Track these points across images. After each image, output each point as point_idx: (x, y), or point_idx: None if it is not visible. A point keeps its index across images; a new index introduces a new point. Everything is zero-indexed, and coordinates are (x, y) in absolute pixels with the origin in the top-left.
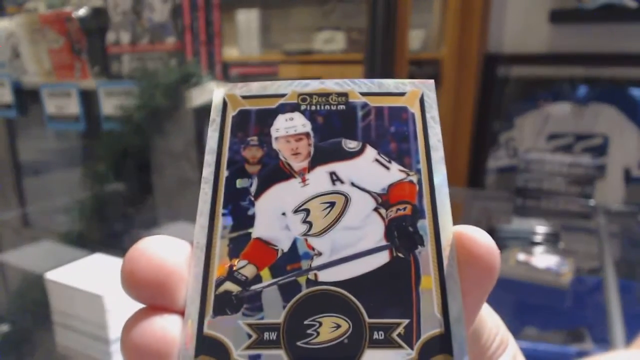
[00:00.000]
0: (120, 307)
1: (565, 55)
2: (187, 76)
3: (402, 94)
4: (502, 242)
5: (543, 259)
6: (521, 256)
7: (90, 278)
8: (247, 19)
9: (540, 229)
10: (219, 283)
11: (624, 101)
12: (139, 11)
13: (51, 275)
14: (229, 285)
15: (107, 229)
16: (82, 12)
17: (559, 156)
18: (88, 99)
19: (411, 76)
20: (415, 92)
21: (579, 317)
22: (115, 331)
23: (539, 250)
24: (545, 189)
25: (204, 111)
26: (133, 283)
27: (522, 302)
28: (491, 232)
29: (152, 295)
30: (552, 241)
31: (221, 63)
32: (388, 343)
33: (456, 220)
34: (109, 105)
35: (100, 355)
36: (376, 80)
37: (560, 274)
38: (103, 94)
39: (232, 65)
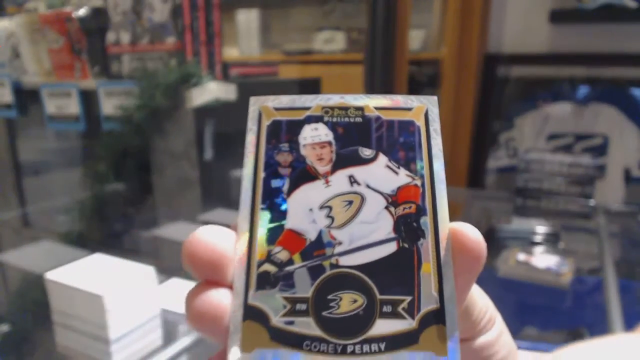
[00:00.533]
0: (120, 307)
1: (565, 55)
2: (187, 76)
3: (409, 109)
4: (502, 242)
5: (543, 259)
6: (521, 256)
7: (90, 278)
8: (247, 19)
9: (540, 229)
10: (260, 264)
11: (624, 101)
12: (139, 11)
13: (51, 275)
14: (267, 267)
15: (107, 228)
16: (82, 12)
17: (559, 156)
18: (88, 99)
19: (411, 76)
20: (420, 108)
21: (579, 317)
22: (115, 331)
23: (539, 250)
24: (545, 189)
25: (204, 111)
26: (193, 263)
27: (522, 302)
28: (491, 232)
29: (208, 272)
30: (552, 241)
31: (221, 63)
32: (394, 315)
33: (456, 219)
34: (109, 105)
35: (100, 355)
36: (388, 96)
37: (560, 274)
38: (103, 94)
39: (232, 65)
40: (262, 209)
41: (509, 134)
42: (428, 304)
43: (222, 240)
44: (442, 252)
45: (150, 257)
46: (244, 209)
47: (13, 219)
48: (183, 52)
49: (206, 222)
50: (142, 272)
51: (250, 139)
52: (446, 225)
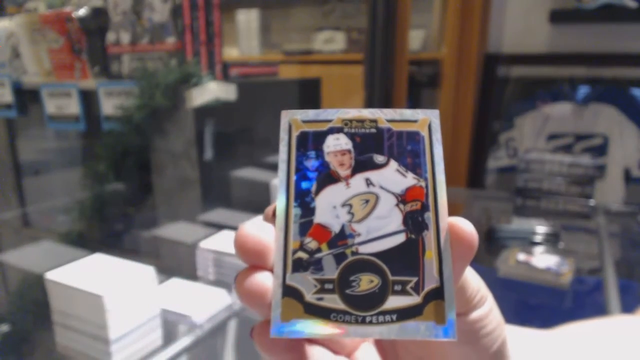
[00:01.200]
0: (120, 307)
1: (565, 55)
2: (187, 76)
3: (415, 121)
4: (502, 242)
5: (543, 259)
6: (521, 256)
7: (90, 278)
8: (247, 19)
9: (540, 228)
10: (294, 252)
11: (624, 101)
12: (139, 11)
13: (51, 275)
14: (301, 254)
15: (107, 228)
16: (82, 12)
17: (559, 156)
18: (88, 99)
19: (411, 76)
20: (425, 120)
21: (579, 317)
22: (115, 331)
23: (539, 250)
24: (545, 189)
25: (204, 111)
26: (244, 251)
27: (522, 302)
28: (491, 232)
29: (254, 259)
30: (552, 241)
31: (221, 63)
32: (403, 292)
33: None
34: (109, 105)
35: (100, 355)
36: (398, 110)
37: (560, 274)
38: (103, 94)
39: (232, 65)
40: (295, 206)
41: (508, 134)
42: (430, 284)
43: (265, 233)
44: (442, 242)
45: (150, 257)
46: (280, 207)
47: (13, 218)
48: (183, 52)
49: (206, 222)
50: (142, 272)
51: (282, 147)
52: (446, 220)
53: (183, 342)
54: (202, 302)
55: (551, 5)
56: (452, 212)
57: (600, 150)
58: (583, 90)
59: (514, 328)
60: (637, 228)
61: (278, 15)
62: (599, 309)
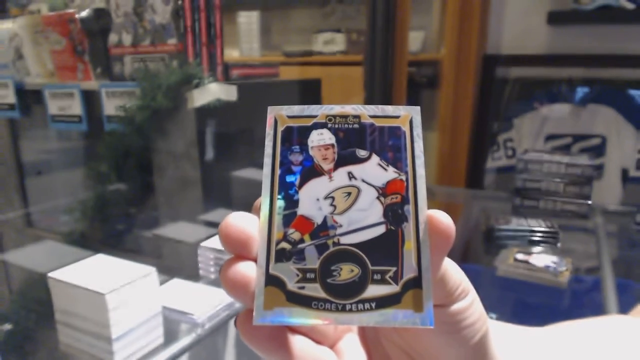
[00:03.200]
0: (122, 306)
1: (563, 56)
2: (188, 77)
3: (397, 117)
4: (501, 241)
5: (541, 259)
6: (520, 255)
7: (92, 277)
8: (248, 21)
9: (539, 228)
10: (278, 243)
11: (621, 102)
12: (141, 13)
13: (54, 274)
14: (284, 245)
15: (109, 228)
16: (84, 13)
17: (557, 157)
18: (90, 99)
19: (410, 77)
20: (406, 116)
21: (577, 316)
22: (117, 330)
23: (537, 249)
24: (543, 189)
25: (205, 111)
26: (227, 242)
27: (520, 301)
28: (490, 231)
29: (238, 249)
30: (550, 241)
31: (222, 64)
32: (383, 281)
33: (455, 219)
34: (111, 106)
35: (102, 353)
36: (380, 106)
37: (558, 273)
38: (105, 95)
39: (233, 67)
40: (279, 199)
41: (507, 134)
42: (409, 273)
43: (249, 224)
44: (421, 233)
45: (152, 256)
46: (265, 199)
47: (16, 218)
48: (184, 53)
49: (207, 222)
50: (144, 273)
51: (268, 142)
52: (425, 212)
53: (184, 340)
54: (204, 301)
55: (549, 6)
56: (451, 212)
57: (598, 150)
58: (581, 91)
59: (503, 324)
60: (634, 228)
61: (278, 17)
62: (597, 308)
